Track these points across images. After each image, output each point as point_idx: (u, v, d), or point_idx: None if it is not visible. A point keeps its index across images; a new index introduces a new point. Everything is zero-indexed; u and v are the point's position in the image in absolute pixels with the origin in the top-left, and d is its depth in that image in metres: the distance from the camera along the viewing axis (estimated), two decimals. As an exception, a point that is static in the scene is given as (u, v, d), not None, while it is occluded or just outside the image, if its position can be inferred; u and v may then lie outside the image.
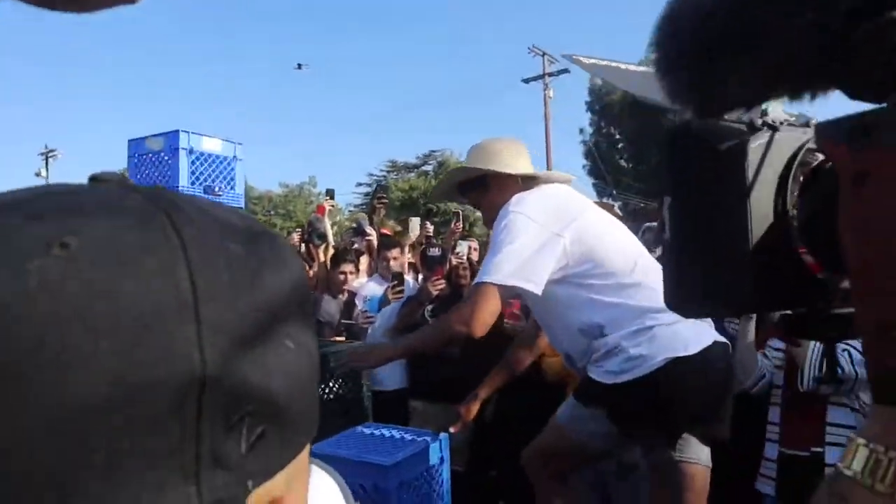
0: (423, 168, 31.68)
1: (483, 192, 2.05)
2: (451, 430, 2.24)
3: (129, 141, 2.61)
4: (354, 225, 5.01)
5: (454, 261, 3.63)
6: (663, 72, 0.44)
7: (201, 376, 0.26)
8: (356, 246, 4.69)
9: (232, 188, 2.63)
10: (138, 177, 2.55)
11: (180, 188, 2.42)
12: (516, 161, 2.03)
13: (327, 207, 4.90)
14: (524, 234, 1.78)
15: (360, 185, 31.19)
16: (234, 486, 0.28)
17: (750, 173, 0.52)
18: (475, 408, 2.69)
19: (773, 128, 0.53)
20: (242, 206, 2.70)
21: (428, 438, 2.09)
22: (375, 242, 4.51)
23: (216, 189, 2.57)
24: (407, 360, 3.62)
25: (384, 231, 5.54)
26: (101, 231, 0.26)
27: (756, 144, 0.52)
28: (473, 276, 2.93)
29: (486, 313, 1.78)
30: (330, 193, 5.27)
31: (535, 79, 25.37)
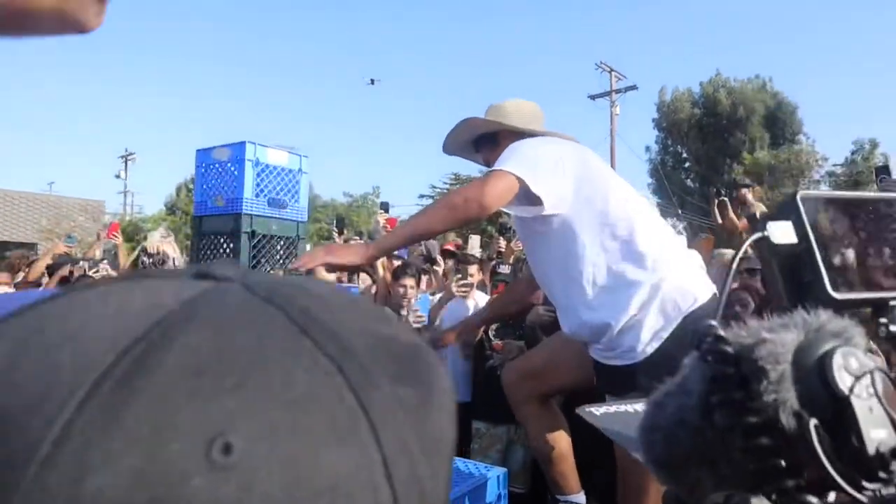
0: (485, 182, 31.57)
1: (494, 148, 2.03)
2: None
3: (197, 151, 2.60)
4: (424, 252, 4.99)
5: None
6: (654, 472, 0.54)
7: None
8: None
9: (296, 200, 2.59)
10: (204, 186, 2.54)
11: (245, 199, 2.40)
12: (531, 121, 2.05)
13: (382, 221, 4.90)
14: (533, 149, 1.80)
15: (422, 196, 31.40)
16: None
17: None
18: (451, 336, 2.76)
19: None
20: (306, 218, 2.66)
21: (487, 472, 1.98)
22: (442, 271, 4.46)
23: (281, 201, 2.53)
24: (471, 376, 3.56)
25: (447, 246, 5.49)
26: (264, 415, 0.22)
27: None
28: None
29: (498, 190, 1.72)
30: (384, 207, 5.28)
31: (601, 95, 24.99)
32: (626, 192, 1.87)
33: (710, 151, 30.12)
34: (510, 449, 3.42)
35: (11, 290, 5.20)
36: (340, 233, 5.39)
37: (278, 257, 2.57)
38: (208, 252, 2.53)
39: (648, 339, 1.69)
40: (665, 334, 1.68)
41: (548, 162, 1.77)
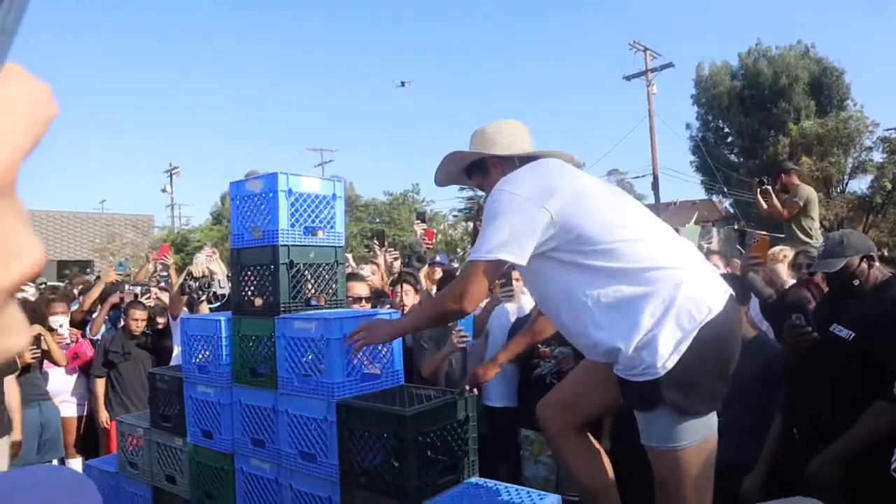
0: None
1: (485, 175, 2.09)
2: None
3: (231, 183, 2.61)
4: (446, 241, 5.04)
5: None
6: None
7: None
8: None
9: (332, 227, 2.58)
10: (240, 218, 2.55)
11: (281, 231, 2.40)
12: (513, 142, 2.07)
13: (420, 232, 4.91)
14: (508, 208, 1.81)
15: (462, 189, 31.31)
16: None
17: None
18: (492, 372, 2.96)
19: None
20: (343, 243, 2.65)
21: (540, 501, 1.94)
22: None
23: (317, 230, 2.53)
24: (518, 382, 3.54)
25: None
26: None
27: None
28: None
29: (477, 289, 1.85)
30: (421, 217, 5.30)
31: (637, 75, 24.49)
32: (625, 207, 1.89)
33: (754, 124, 29.17)
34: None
35: (67, 318, 5.37)
36: (381, 245, 5.41)
37: (318, 284, 2.57)
38: (248, 284, 2.54)
39: (668, 353, 1.69)
40: (683, 347, 1.69)
41: (525, 223, 1.79)
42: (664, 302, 1.70)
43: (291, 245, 2.43)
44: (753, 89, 29.31)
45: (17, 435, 4.19)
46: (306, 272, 2.53)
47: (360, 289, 3.96)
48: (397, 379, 2.42)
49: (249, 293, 2.54)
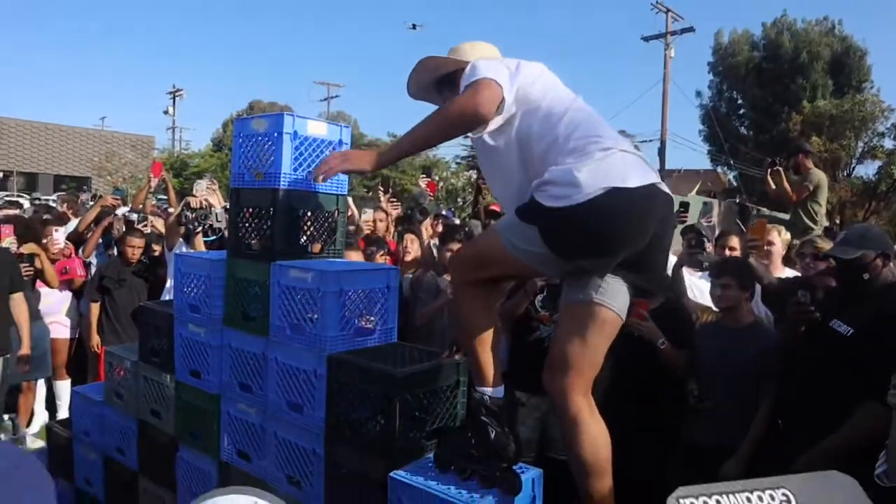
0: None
1: (454, 91, 2.08)
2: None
3: (235, 121, 2.52)
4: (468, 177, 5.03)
5: None
6: None
7: None
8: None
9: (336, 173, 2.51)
10: (242, 158, 2.47)
11: (283, 174, 2.33)
12: (485, 57, 2.11)
13: (423, 185, 4.87)
14: (486, 62, 1.96)
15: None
16: None
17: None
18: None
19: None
20: (346, 191, 2.58)
21: (522, 473, 1.93)
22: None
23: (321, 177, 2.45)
24: (509, 346, 3.54)
25: (493, 207, 5.40)
26: None
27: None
28: None
29: (490, 97, 1.86)
30: (427, 172, 5.24)
31: (655, 37, 23.93)
32: (574, 96, 2.01)
33: (768, 98, 28.72)
34: (551, 418, 3.41)
35: (63, 230, 5.33)
36: (386, 191, 5.37)
37: (317, 231, 2.51)
38: (246, 225, 2.48)
39: (570, 193, 1.77)
40: (590, 193, 1.75)
41: (502, 71, 1.92)
42: (592, 156, 1.80)
43: (293, 189, 2.36)
44: (772, 62, 28.74)
45: (25, 348, 4.20)
46: (306, 218, 2.47)
47: (354, 257, 3.95)
48: (391, 336, 2.39)
49: (247, 235, 2.48)
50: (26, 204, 11.73)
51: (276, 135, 2.33)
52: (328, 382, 2.14)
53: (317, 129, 2.45)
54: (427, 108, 2.14)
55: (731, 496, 1.02)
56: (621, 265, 1.88)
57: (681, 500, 1.00)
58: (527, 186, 1.90)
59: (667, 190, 1.93)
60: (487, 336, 2.02)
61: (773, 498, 1.07)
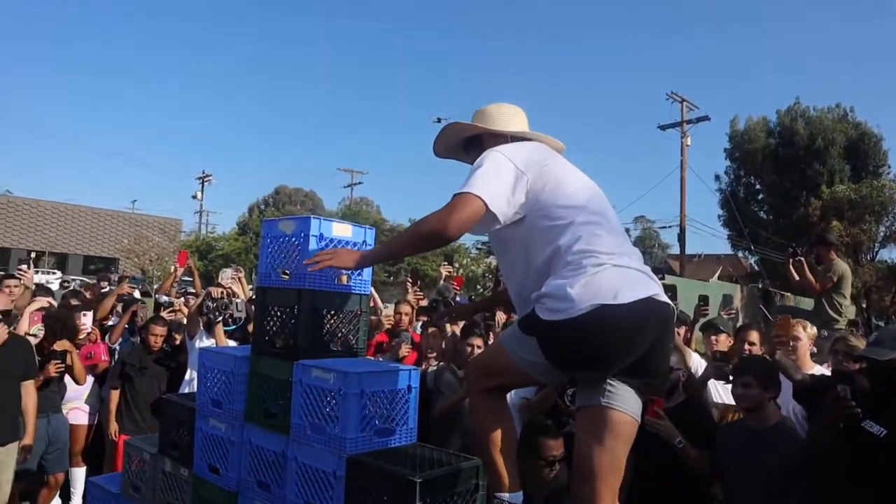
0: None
1: (480, 151, 2.16)
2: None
3: (264, 221, 2.63)
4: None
5: None
6: None
7: None
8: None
9: (360, 274, 2.58)
10: (269, 258, 2.56)
11: (307, 275, 2.40)
12: (510, 122, 2.26)
13: (444, 273, 4.94)
14: (496, 164, 2.01)
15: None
16: None
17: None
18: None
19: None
20: (369, 291, 2.65)
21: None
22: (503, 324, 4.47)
23: (343, 275, 2.53)
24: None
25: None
26: None
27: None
28: None
29: (463, 216, 1.93)
30: (448, 259, 5.33)
31: (672, 126, 24.46)
32: (590, 195, 2.07)
33: (786, 183, 28.93)
34: None
35: (91, 315, 5.44)
36: (414, 283, 5.45)
37: (341, 332, 2.56)
38: (272, 323, 2.54)
39: (565, 308, 1.82)
40: (581, 309, 1.80)
41: (507, 181, 1.99)
42: (585, 272, 1.86)
43: (318, 290, 2.43)
44: (788, 148, 29.10)
45: (28, 440, 4.22)
46: (330, 317, 2.53)
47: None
48: (411, 436, 2.39)
49: (272, 332, 2.54)
50: (55, 286, 11.99)
51: (302, 236, 2.43)
52: (347, 484, 2.13)
53: (342, 230, 2.54)
54: (451, 166, 2.30)
55: None
56: (620, 372, 1.92)
57: None
58: (528, 284, 1.99)
59: (665, 300, 1.95)
60: (501, 441, 2.03)
61: None
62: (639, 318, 1.85)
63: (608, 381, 1.93)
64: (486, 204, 1.94)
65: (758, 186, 31.05)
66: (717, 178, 31.48)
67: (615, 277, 1.86)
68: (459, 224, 1.93)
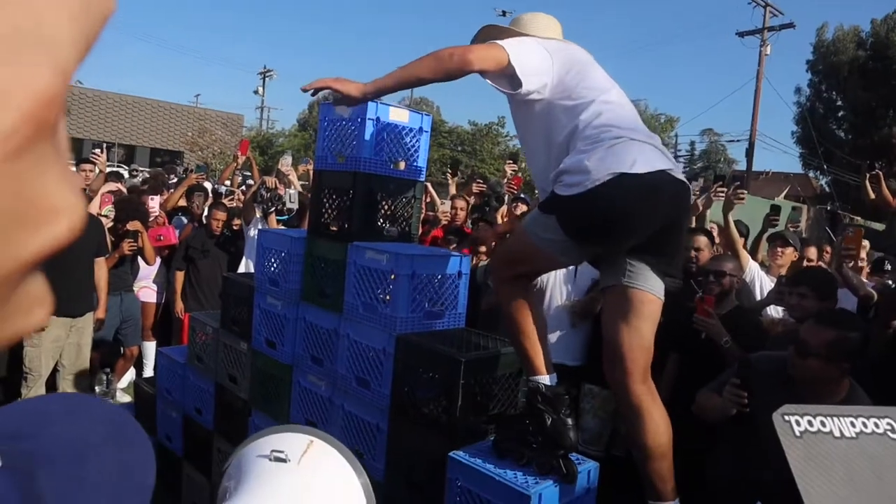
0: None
1: None
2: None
3: (321, 104, 2.62)
4: None
5: None
6: None
7: None
8: None
9: (415, 160, 2.58)
10: (326, 141, 2.57)
11: (363, 159, 2.41)
12: (544, 30, 2.23)
13: (510, 172, 4.87)
14: (524, 41, 2.04)
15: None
16: None
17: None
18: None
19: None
20: (423, 177, 2.65)
21: (578, 465, 1.95)
22: None
23: (399, 161, 2.53)
24: (590, 339, 3.58)
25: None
26: None
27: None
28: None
29: (487, 54, 1.95)
30: (513, 157, 5.23)
31: (751, 32, 22.86)
32: (609, 85, 2.07)
33: (871, 100, 26.98)
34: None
35: (159, 199, 5.67)
36: (454, 174, 5.41)
37: (395, 216, 2.59)
38: (327, 206, 2.59)
39: (582, 181, 1.84)
40: (599, 179, 1.81)
41: (538, 50, 2.01)
42: (603, 144, 1.87)
43: (373, 174, 2.44)
44: (880, 62, 26.94)
45: (101, 313, 4.53)
46: (384, 201, 2.55)
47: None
48: (459, 321, 2.44)
49: (327, 215, 2.58)
50: (126, 174, 12.45)
51: (359, 120, 2.42)
52: (395, 362, 2.22)
53: (399, 115, 2.52)
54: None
55: (836, 419, 1.07)
56: (636, 249, 1.94)
57: (786, 417, 1.06)
58: (550, 166, 2.00)
59: (681, 177, 1.95)
60: (531, 328, 2.07)
61: (877, 426, 1.12)
62: (655, 188, 1.87)
63: (627, 260, 1.96)
64: (509, 57, 1.95)
65: (839, 102, 29.12)
66: (798, 90, 29.63)
67: (633, 149, 1.87)
68: (481, 58, 1.94)
